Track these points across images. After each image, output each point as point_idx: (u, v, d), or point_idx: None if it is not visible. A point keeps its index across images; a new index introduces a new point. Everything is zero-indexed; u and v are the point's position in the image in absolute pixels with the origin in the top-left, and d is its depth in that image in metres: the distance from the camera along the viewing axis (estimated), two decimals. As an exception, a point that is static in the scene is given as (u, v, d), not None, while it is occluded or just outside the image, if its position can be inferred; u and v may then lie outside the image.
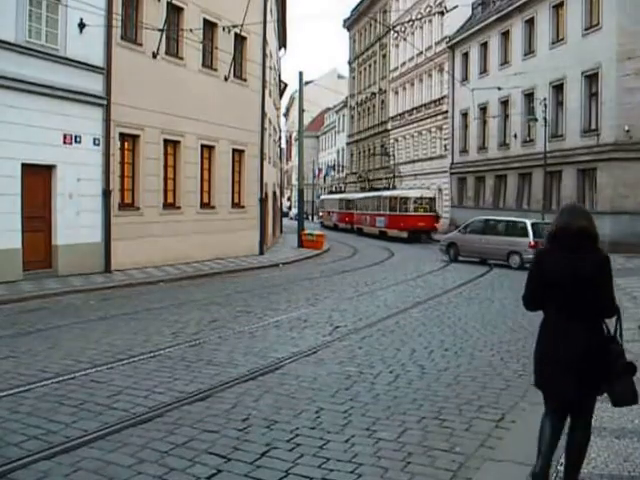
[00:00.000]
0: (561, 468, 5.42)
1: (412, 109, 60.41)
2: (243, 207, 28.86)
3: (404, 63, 62.52)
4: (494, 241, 27.60)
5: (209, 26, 25.85)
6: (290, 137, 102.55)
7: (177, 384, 8.34)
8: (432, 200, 46.18)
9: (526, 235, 26.23)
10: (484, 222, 29.59)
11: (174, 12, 23.56)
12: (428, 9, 54.59)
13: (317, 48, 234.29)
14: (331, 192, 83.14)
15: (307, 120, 79.55)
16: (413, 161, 59.88)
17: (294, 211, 73.80)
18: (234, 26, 25.99)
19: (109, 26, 20.24)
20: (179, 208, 24.46)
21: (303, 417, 7.14)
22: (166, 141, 23.73)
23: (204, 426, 6.77)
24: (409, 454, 6.13)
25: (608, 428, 6.46)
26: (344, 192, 76.70)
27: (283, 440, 6.43)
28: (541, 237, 24.76)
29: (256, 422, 6.93)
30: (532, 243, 25.49)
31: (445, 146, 52.75)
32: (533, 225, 26.65)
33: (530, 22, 40.05)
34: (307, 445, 6.31)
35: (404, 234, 43.98)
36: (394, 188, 53.47)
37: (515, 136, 41.25)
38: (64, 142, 19.08)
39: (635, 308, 14.56)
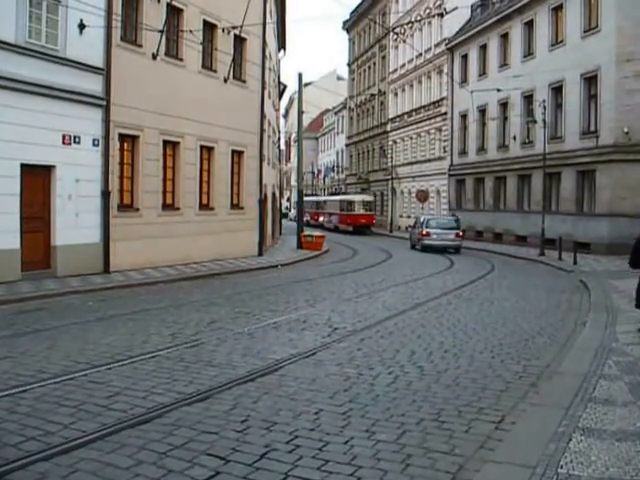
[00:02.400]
0: (561, 471, 5.42)
1: (411, 111, 60.41)
2: (242, 208, 28.85)
3: (403, 65, 62.53)
4: (416, 232, 38.64)
5: (209, 27, 25.84)
6: (289, 138, 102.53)
7: (176, 385, 8.33)
8: (371, 203, 61.41)
9: (422, 227, 37.26)
10: (416, 219, 42.44)
11: (174, 13, 23.57)
12: (427, 11, 54.58)
13: (316, 50, 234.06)
14: (306, 195, 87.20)
15: (306, 121, 79.59)
16: (411, 163, 59.89)
17: (294, 212, 74.09)
18: (234, 27, 25.97)
19: (109, 27, 20.23)
20: (178, 209, 24.44)
21: (302, 418, 7.12)
22: (165, 142, 23.71)
23: (203, 427, 6.75)
24: (408, 456, 6.12)
25: (609, 431, 6.44)
26: (317, 195, 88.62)
27: (282, 442, 6.41)
28: (430, 227, 36.71)
29: (255, 423, 6.92)
30: (424, 232, 36.59)
31: (444, 148, 52.73)
32: (426, 220, 38.33)
33: (529, 24, 40.06)
34: (306, 447, 6.29)
35: (350, 228, 57.53)
36: (345, 193, 73.87)
37: (514, 138, 41.24)
38: (63, 143, 19.07)
39: (634, 311, 14.50)
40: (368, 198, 62.24)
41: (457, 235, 36.32)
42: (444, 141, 52.82)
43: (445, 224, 37.62)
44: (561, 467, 5.52)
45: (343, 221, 59.45)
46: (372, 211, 60.05)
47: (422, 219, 39.11)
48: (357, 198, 61.35)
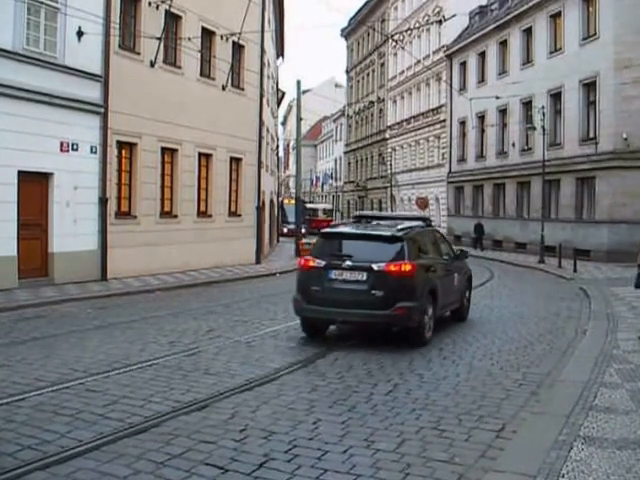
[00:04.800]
0: (563, 479, 5.39)
1: (410, 118, 60.47)
2: (240, 216, 28.80)
3: (402, 72, 62.61)
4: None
5: (207, 35, 25.83)
6: (288, 146, 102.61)
7: (174, 394, 8.27)
8: (331, 210, 74.77)
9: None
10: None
11: (172, 21, 23.56)
12: (426, 18, 54.69)
13: (315, 57, 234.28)
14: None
15: (305, 129, 79.58)
16: (410, 170, 59.95)
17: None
18: (232, 35, 25.97)
19: (107, 34, 20.21)
20: (176, 217, 24.39)
21: (301, 428, 7.07)
22: (163, 149, 23.68)
23: (201, 436, 6.69)
24: (408, 465, 6.06)
25: (609, 439, 6.39)
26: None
27: (281, 451, 6.35)
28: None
29: (254, 433, 6.86)
30: None
31: (443, 155, 52.79)
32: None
33: (528, 31, 40.14)
34: (305, 456, 6.24)
35: (315, 231, 66.35)
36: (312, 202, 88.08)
37: (513, 145, 41.26)
38: (61, 150, 19.03)
39: (635, 318, 14.51)
40: (328, 206, 77.62)
41: None
42: (443, 148, 52.88)
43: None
44: (562, 476, 5.47)
45: (310, 225, 65.92)
46: (331, 217, 71.03)
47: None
48: (320, 206, 75.33)
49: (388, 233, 12.49)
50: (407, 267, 11.70)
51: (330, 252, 12.35)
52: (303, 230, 55.76)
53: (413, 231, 13.15)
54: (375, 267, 11.58)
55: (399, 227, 12.91)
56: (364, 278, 11.64)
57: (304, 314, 12.49)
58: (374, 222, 14.62)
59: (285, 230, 56.76)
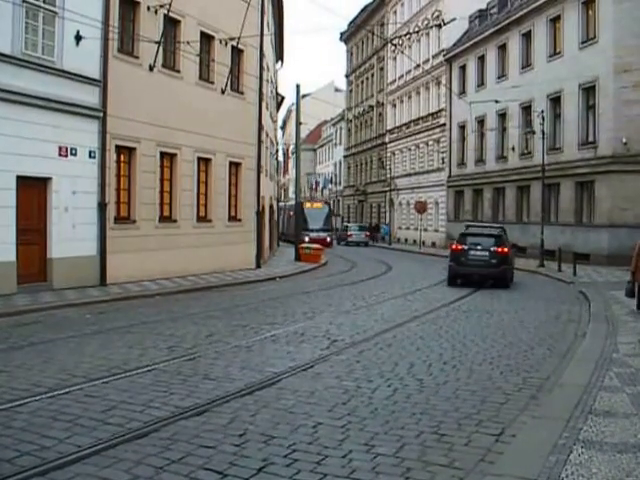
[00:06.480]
0: (563, 484, 5.37)
1: (409, 122, 60.51)
2: (240, 220, 28.76)
3: (401, 76, 62.67)
4: (343, 233, 62.09)
5: (206, 39, 25.83)
6: (287, 150, 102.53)
7: (173, 399, 8.24)
8: None
9: (346, 230, 61.68)
10: (344, 226, 67.68)
11: (171, 25, 23.56)
12: (425, 22, 54.73)
13: (314, 61, 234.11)
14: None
15: (304, 133, 79.55)
16: (410, 174, 59.95)
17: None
18: (231, 39, 25.97)
19: (106, 38, 20.20)
20: (175, 221, 24.36)
21: (300, 432, 7.04)
22: (162, 154, 23.66)
23: (200, 441, 6.67)
24: (408, 469, 6.04)
25: (610, 443, 6.37)
26: None
27: (280, 455, 6.33)
28: (352, 231, 60.39)
29: (253, 437, 6.83)
30: (349, 234, 59.83)
31: (442, 159, 52.80)
32: (350, 226, 63.00)
33: (527, 35, 40.19)
34: (305, 460, 6.21)
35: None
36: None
37: (513, 149, 41.29)
38: (60, 154, 18.99)
39: (635, 322, 14.49)
40: None
41: (365, 235, 59.24)
42: (442, 152, 52.90)
43: (359, 229, 60.81)
44: (562, 479, 5.46)
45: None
46: None
47: (345, 225, 66.35)
48: None
49: (494, 232, 25.18)
50: (506, 249, 23.84)
51: (467, 242, 24.08)
52: (328, 239, 51.59)
53: (502, 231, 25.58)
54: (492, 249, 23.48)
55: (497, 229, 25.87)
56: (487, 254, 23.45)
57: (457, 272, 23.97)
58: (478, 228, 27.53)
59: (307, 239, 46.00)
